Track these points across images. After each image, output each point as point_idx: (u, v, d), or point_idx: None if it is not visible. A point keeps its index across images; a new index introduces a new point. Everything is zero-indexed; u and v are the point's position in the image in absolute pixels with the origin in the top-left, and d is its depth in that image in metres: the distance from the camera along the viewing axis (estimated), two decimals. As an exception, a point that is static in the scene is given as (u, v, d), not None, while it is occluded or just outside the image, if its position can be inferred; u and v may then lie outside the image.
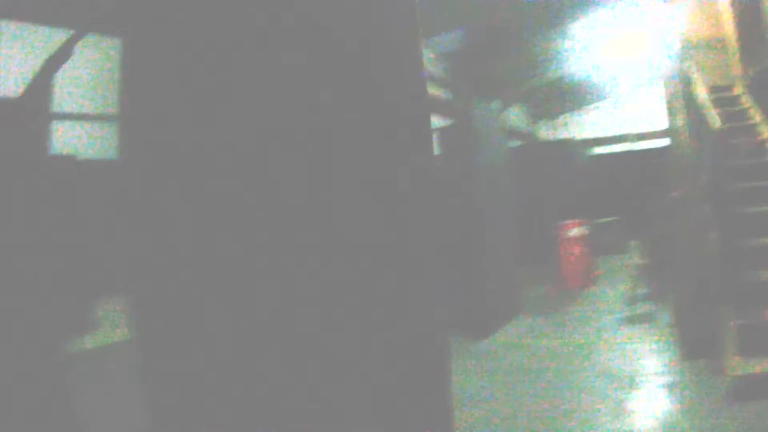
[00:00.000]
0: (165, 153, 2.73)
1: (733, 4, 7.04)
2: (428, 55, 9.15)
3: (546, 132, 25.74)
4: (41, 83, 4.16)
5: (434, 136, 10.76)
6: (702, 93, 6.09)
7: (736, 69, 7.25)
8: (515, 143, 20.05)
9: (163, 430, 2.66)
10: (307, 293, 2.80)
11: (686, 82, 6.54)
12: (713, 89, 7.19)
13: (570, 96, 22.12)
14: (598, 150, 20.32)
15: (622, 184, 14.77)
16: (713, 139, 5.38)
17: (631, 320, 7.08)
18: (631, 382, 4.90)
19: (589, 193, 15.26)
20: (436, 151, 10.88)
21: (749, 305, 4.58)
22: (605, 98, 23.09)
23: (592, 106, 24.07)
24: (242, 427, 2.63)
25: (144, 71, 2.73)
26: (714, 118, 5.51)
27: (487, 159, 7.84)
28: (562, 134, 25.21)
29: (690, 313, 5.30)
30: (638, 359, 5.54)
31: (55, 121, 5.04)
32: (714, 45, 7.62)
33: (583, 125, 24.27)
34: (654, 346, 5.84)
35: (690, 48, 7.54)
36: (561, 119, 25.60)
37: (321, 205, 2.95)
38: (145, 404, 2.68)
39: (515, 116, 21.28)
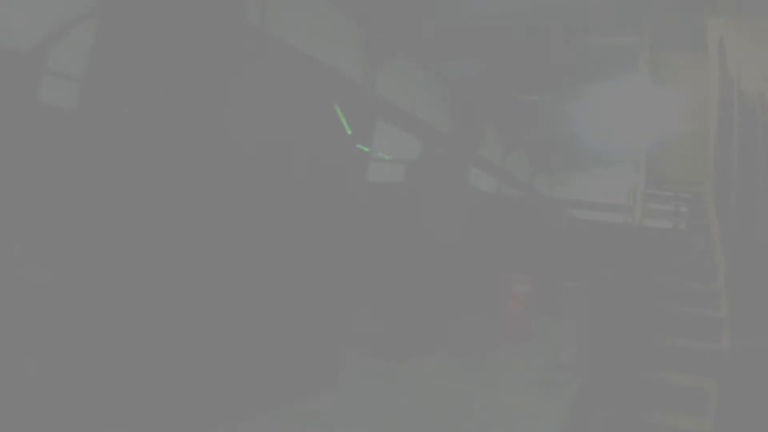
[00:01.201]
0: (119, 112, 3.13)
1: (720, 99, 7.07)
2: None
3: (543, 186, 25.73)
4: (41, 48, 4.51)
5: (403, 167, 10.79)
6: (642, 186, 6.16)
7: (708, 166, 7.28)
8: (511, 192, 20.08)
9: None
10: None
11: (638, 170, 6.64)
12: (677, 182, 7.24)
13: (573, 155, 22.21)
14: (588, 214, 20.23)
15: (597, 252, 14.77)
16: (631, 233, 5.46)
17: (546, 385, 7.13)
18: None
19: (565, 252, 15.30)
20: (403, 180, 10.93)
21: (641, 403, 4.64)
22: (608, 164, 23.02)
23: (594, 168, 23.99)
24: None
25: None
26: (637, 214, 5.60)
27: (450, 197, 7.90)
28: (559, 191, 25.18)
29: (586, 400, 5.35)
30: (531, 426, 5.59)
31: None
32: (693, 137, 7.65)
33: (579, 186, 24.21)
34: (552, 417, 5.89)
35: (666, 136, 7.60)
36: (561, 176, 25.57)
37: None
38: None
39: (516, 166, 21.35)
